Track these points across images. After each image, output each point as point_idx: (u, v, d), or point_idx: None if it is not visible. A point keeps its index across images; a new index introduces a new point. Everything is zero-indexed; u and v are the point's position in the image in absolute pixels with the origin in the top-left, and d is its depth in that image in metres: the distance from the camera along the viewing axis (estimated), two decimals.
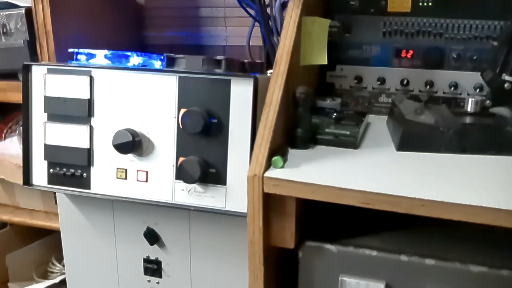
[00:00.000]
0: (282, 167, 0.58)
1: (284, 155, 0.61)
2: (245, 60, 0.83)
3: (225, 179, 0.72)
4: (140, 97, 0.74)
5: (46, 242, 1.16)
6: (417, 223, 0.65)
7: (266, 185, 0.57)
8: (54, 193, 0.87)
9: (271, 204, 0.59)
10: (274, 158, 0.58)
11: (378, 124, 0.76)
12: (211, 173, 0.72)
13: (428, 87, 0.78)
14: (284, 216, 0.60)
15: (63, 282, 0.93)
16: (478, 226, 0.61)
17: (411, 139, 0.64)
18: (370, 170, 0.59)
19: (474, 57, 0.76)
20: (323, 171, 0.58)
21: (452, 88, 0.77)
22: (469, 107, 0.68)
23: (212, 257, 0.80)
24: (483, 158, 0.62)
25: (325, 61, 0.72)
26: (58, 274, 1.10)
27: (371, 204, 0.54)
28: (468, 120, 0.67)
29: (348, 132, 0.65)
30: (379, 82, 0.80)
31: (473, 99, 0.68)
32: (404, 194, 0.53)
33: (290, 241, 0.60)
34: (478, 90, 0.76)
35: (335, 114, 0.70)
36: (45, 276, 1.13)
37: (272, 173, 0.57)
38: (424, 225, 0.65)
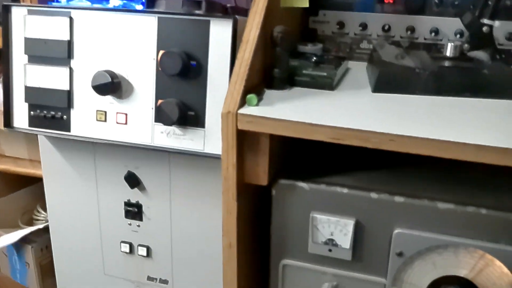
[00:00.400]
0: (257, 105, 0.59)
1: (259, 94, 0.61)
2: (228, 5, 0.82)
3: (203, 122, 0.72)
4: (120, 38, 0.74)
5: (32, 191, 1.17)
6: (390, 163, 0.66)
7: (240, 121, 0.57)
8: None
9: (245, 141, 0.60)
10: (248, 96, 0.58)
11: (358, 69, 0.76)
12: (190, 115, 0.72)
13: (409, 33, 0.78)
14: (257, 153, 0.60)
15: (47, 229, 0.94)
16: (448, 165, 0.63)
17: (387, 80, 0.64)
18: (343, 109, 0.59)
19: (456, 3, 0.75)
20: (296, 109, 0.58)
21: (433, 34, 0.77)
22: (448, 51, 0.68)
23: (192, 200, 0.81)
24: (458, 100, 0.62)
25: (306, 4, 0.71)
26: (43, 221, 1.11)
27: (341, 139, 0.55)
28: (446, 63, 0.67)
29: (325, 74, 0.65)
30: (361, 28, 0.80)
31: (452, 43, 0.68)
32: (374, 129, 0.53)
33: (263, 178, 0.61)
34: (458, 36, 0.76)
35: (314, 58, 0.70)
36: (30, 223, 1.14)
37: (246, 110, 0.58)
38: (396, 165, 0.66)
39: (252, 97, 0.58)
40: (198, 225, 0.83)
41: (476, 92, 0.63)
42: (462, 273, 0.58)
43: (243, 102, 0.59)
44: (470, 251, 0.57)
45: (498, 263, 0.56)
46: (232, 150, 0.59)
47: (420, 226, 0.58)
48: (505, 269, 0.56)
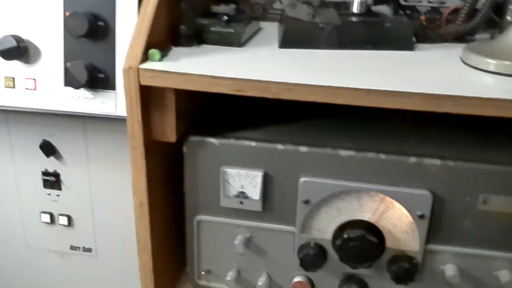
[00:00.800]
0: (160, 60, 0.58)
1: (164, 50, 0.61)
2: None
3: (114, 84, 0.71)
4: (25, 1, 0.71)
5: None
6: (299, 115, 0.68)
7: (142, 77, 0.57)
8: None
9: (150, 97, 0.59)
10: (150, 51, 0.58)
11: (271, 29, 0.77)
12: (99, 77, 0.71)
13: None
14: (164, 110, 0.60)
15: None
16: (353, 115, 0.65)
17: (292, 36, 0.65)
18: (247, 63, 0.60)
19: None
20: (200, 64, 0.59)
21: None
22: (355, 8, 0.70)
23: (111, 165, 0.81)
24: (360, 52, 0.64)
25: None
26: None
27: (243, 90, 0.55)
28: (351, 19, 0.68)
29: (232, 30, 0.65)
30: None
31: (358, 0, 0.70)
32: (272, 79, 0.54)
33: (171, 135, 0.61)
34: None
35: (225, 17, 0.70)
36: None
37: (148, 65, 0.57)
38: (304, 117, 0.68)
39: (154, 52, 0.58)
40: (119, 190, 0.82)
41: (377, 45, 0.65)
42: (366, 217, 0.61)
43: (145, 58, 0.58)
44: (372, 195, 0.60)
45: (397, 205, 0.59)
46: (137, 106, 0.58)
47: (324, 173, 0.60)
48: (404, 211, 0.59)
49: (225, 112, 0.71)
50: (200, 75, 0.56)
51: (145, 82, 0.57)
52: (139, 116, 0.59)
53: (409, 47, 0.64)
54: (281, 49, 0.66)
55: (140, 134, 0.59)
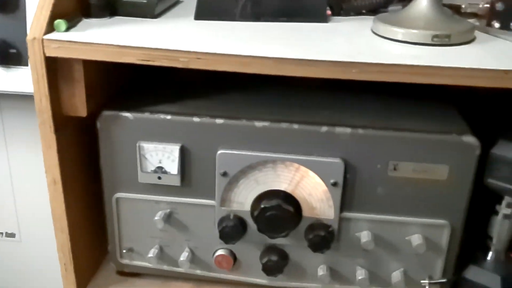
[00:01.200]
0: (67, 31, 0.56)
1: (72, 22, 0.59)
2: None
3: (27, 60, 0.68)
4: None
5: None
6: (219, 89, 0.68)
7: (47, 48, 0.55)
8: None
9: (57, 70, 0.57)
10: (56, 21, 0.56)
11: (191, 2, 0.76)
12: (11, 53, 0.68)
13: None
14: (72, 82, 0.58)
15: None
16: (269, 88, 0.65)
17: (207, 7, 0.65)
18: (158, 33, 0.59)
19: None
20: (109, 34, 0.57)
21: None
22: None
23: (30, 146, 0.78)
24: (274, 24, 0.64)
25: None
26: None
27: (151, 60, 0.54)
28: None
29: (145, 1, 0.64)
30: None
31: None
32: (181, 48, 0.53)
33: (82, 110, 0.60)
34: None
35: None
36: None
37: (53, 35, 0.55)
38: (224, 91, 0.68)
39: (60, 22, 0.56)
40: (41, 172, 0.79)
41: (291, 16, 0.65)
42: (282, 187, 0.61)
43: (51, 29, 0.56)
44: (287, 165, 0.60)
45: (312, 174, 0.60)
46: (43, 79, 0.56)
47: (241, 145, 0.60)
48: (318, 179, 0.60)
49: (143, 86, 0.70)
50: (106, 45, 0.54)
51: (50, 53, 0.55)
52: (46, 90, 0.57)
53: (323, 19, 0.65)
54: (196, 21, 0.65)
55: (48, 109, 0.57)
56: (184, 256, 0.66)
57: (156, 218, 0.64)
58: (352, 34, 0.62)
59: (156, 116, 0.61)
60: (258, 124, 0.60)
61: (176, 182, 0.63)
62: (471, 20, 0.66)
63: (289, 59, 0.52)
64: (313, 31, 0.62)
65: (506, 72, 0.50)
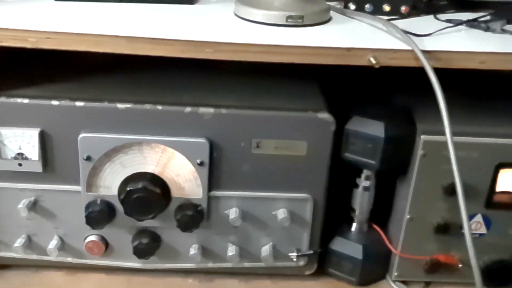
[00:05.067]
0: None
1: None
2: None
3: None
4: None
5: None
6: (84, 73, 0.66)
7: None
8: None
9: None
10: None
11: None
12: None
13: None
14: None
15: None
16: (135, 71, 0.65)
17: None
18: (9, 13, 0.56)
19: None
20: None
21: None
22: None
23: None
24: (141, 6, 0.64)
25: None
26: None
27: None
28: None
29: None
30: None
31: None
32: (29, 28, 0.52)
33: None
34: None
35: None
36: None
37: None
38: (88, 75, 0.66)
39: None
40: None
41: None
42: (150, 169, 0.61)
43: None
44: (153, 147, 0.60)
45: (178, 154, 0.60)
46: None
47: (104, 128, 0.59)
48: (185, 159, 0.61)
49: (7, 70, 0.67)
50: None
51: None
52: None
53: (189, 0, 0.65)
54: (56, 2, 0.63)
55: None
56: (52, 244, 0.64)
57: (19, 206, 0.61)
58: (213, 15, 0.62)
59: (12, 100, 0.58)
60: (121, 106, 0.59)
61: (38, 168, 0.61)
62: (333, 3, 0.69)
63: (142, 38, 0.52)
64: (176, 12, 0.62)
65: (348, 49, 0.53)
